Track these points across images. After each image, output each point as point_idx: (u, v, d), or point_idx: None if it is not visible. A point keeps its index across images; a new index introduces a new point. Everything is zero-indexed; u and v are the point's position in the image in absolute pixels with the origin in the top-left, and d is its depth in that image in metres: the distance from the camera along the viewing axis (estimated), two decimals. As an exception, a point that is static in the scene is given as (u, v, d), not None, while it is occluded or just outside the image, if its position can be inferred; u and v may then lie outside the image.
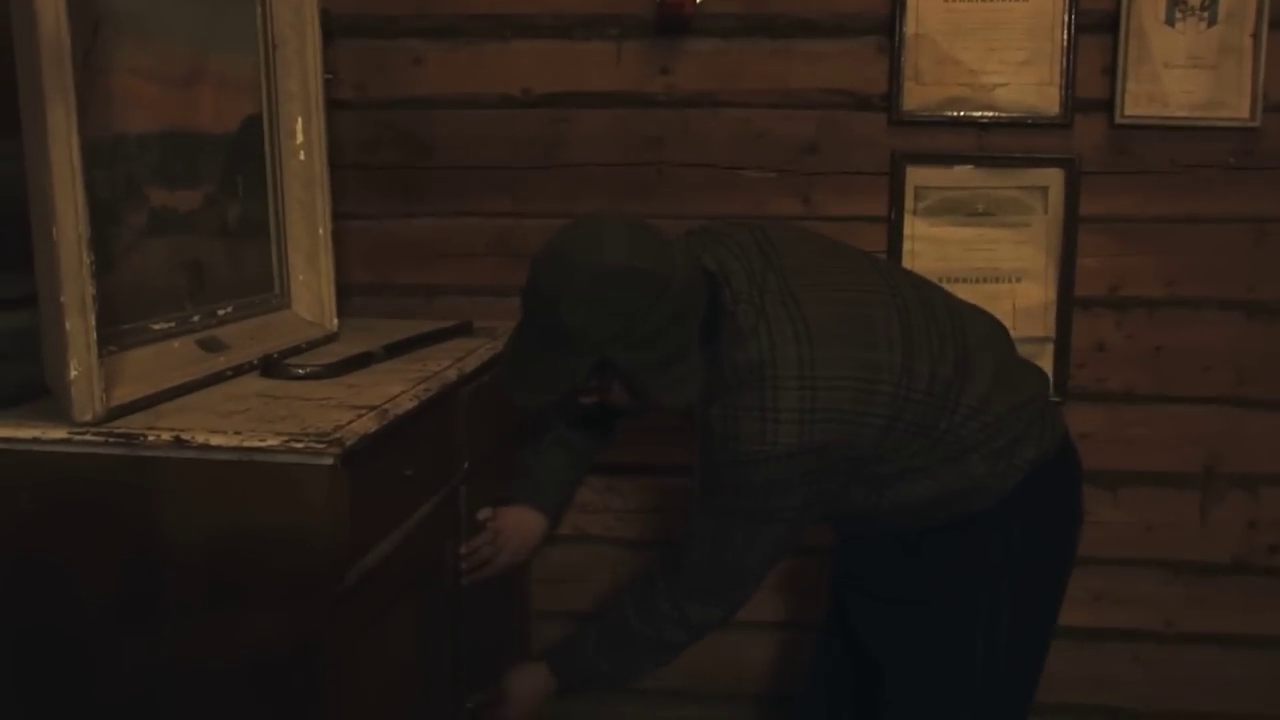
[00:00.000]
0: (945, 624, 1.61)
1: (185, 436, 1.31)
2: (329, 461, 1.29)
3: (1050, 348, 2.23)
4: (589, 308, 1.41)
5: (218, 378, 1.58)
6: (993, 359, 1.59)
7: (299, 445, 1.29)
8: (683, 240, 1.61)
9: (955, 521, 1.58)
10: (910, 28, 2.18)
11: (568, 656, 1.75)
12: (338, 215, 2.04)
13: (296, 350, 1.79)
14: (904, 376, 1.50)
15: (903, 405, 1.50)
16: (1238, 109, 2.15)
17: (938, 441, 1.53)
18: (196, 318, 1.65)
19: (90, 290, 1.30)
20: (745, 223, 1.65)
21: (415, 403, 1.54)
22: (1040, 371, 1.72)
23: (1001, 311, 2.21)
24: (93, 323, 1.30)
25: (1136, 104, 2.16)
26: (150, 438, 1.31)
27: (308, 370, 1.64)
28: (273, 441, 1.30)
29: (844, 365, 1.48)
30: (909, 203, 2.24)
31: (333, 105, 2.07)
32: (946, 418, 1.52)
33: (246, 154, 1.81)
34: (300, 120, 1.87)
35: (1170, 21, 2.14)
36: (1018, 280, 2.23)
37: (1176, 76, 2.15)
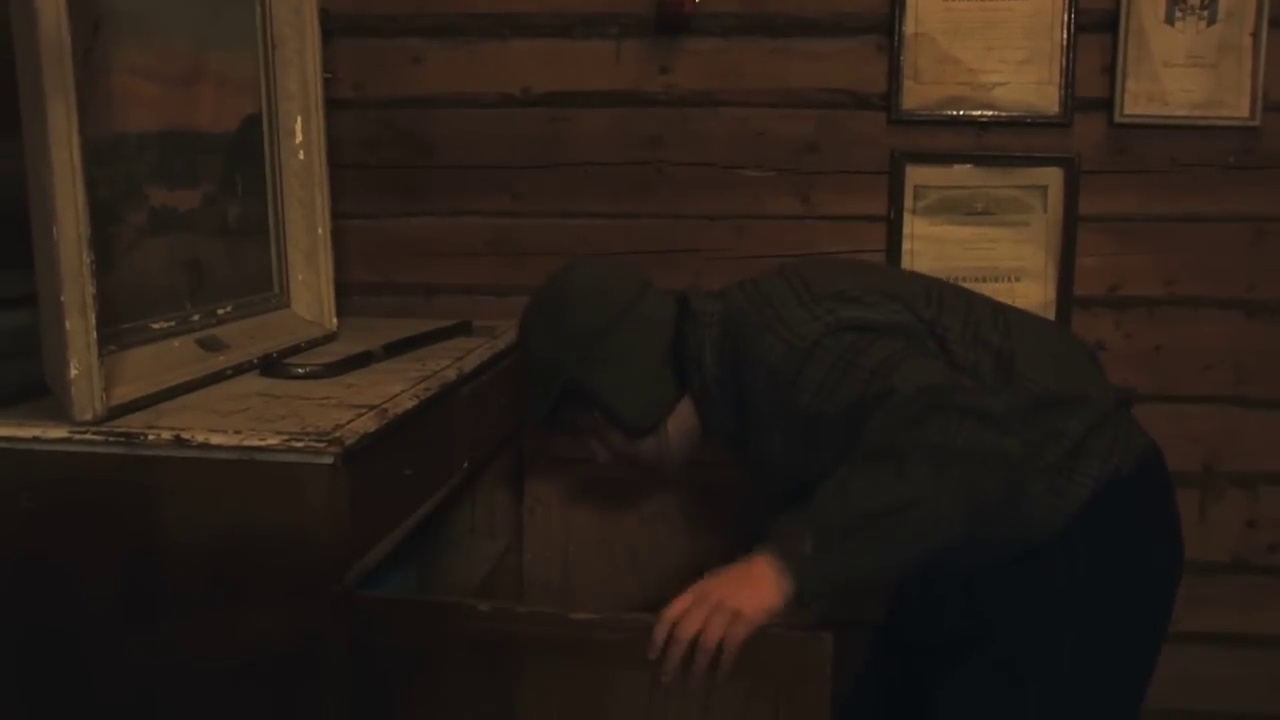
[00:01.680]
0: (999, 667, 1.47)
1: (185, 435, 1.31)
2: (329, 461, 1.29)
3: (1050, 347, 2.23)
4: (550, 333, 1.58)
5: (217, 377, 1.58)
6: (1043, 372, 1.46)
7: (299, 444, 1.29)
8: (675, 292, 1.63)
9: (1015, 554, 1.44)
10: (909, 27, 2.18)
11: (800, 520, 1.26)
12: (337, 214, 2.04)
13: (296, 349, 1.79)
14: (927, 319, 1.46)
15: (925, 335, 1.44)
16: (1237, 108, 2.15)
17: None
18: (196, 317, 1.65)
19: (90, 289, 1.30)
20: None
21: (415, 402, 1.54)
22: (1099, 380, 1.56)
23: (1001, 311, 2.22)
24: (93, 322, 1.30)
25: (1136, 103, 2.16)
26: (150, 437, 1.31)
27: (307, 369, 1.64)
28: (273, 440, 1.30)
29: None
30: (908, 202, 2.24)
31: (332, 104, 2.07)
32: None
33: (246, 153, 1.81)
34: (300, 119, 1.87)
35: (1170, 20, 2.15)
36: (1017, 279, 2.23)
37: (1176, 75, 2.15)
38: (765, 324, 1.44)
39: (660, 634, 1.26)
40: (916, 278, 1.64)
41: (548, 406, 1.61)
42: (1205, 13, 2.14)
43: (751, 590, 1.25)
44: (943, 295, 1.53)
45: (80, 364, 1.30)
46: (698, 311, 1.53)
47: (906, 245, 2.24)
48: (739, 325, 1.48)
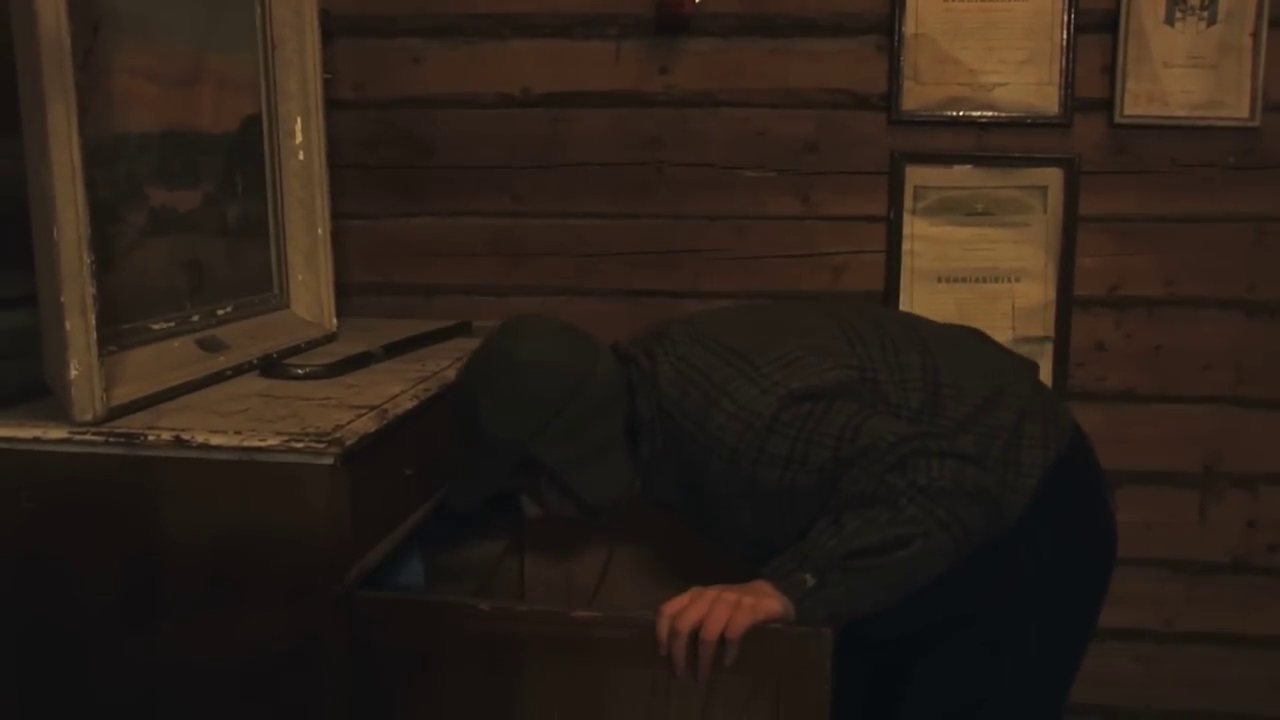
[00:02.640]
0: (971, 648, 1.53)
1: (185, 436, 1.31)
2: (329, 461, 1.30)
3: (1049, 347, 2.23)
4: (504, 405, 1.45)
5: (218, 377, 1.58)
6: (968, 377, 1.52)
7: (299, 445, 1.29)
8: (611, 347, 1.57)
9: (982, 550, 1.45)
10: (909, 27, 2.18)
11: (798, 558, 1.31)
12: (337, 215, 2.04)
13: (296, 350, 1.79)
14: (865, 368, 1.46)
15: (872, 387, 1.45)
16: (1237, 108, 2.15)
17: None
18: (196, 317, 1.65)
19: (90, 290, 1.30)
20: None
21: (415, 402, 1.55)
22: (1023, 370, 1.64)
23: (1001, 311, 2.22)
24: (93, 322, 1.31)
25: (1136, 103, 2.16)
26: (150, 437, 1.31)
27: (307, 370, 1.64)
28: (273, 441, 1.30)
29: (779, 345, 1.46)
30: (908, 202, 2.24)
31: (332, 105, 2.07)
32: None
33: (246, 154, 1.81)
34: (299, 120, 1.87)
35: (1170, 21, 2.15)
36: (1017, 280, 2.23)
37: (1176, 76, 2.15)
38: (711, 401, 1.41)
39: (662, 628, 1.27)
40: (826, 315, 1.58)
41: (498, 481, 1.54)
42: (1205, 13, 2.14)
43: (753, 592, 1.28)
44: (858, 328, 1.53)
45: (80, 364, 1.30)
46: (649, 373, 1.49)
47: (906, 246, 2.24)
48: (676, 403, 1.45)
